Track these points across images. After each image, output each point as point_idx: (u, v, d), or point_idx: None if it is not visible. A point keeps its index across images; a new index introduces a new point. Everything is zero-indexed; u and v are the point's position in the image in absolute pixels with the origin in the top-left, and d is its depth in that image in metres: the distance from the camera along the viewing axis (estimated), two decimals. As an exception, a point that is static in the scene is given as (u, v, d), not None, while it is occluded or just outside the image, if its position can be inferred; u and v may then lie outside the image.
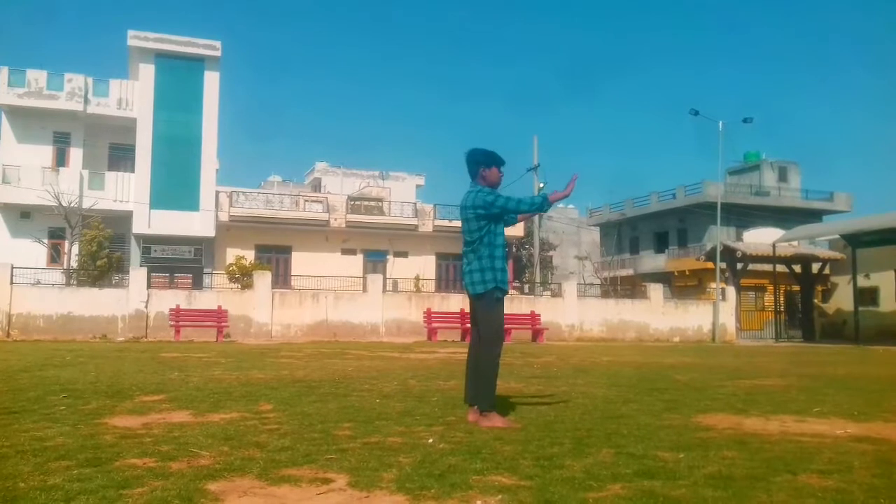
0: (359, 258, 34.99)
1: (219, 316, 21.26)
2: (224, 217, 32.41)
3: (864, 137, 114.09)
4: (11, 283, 20.79)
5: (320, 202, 35.79)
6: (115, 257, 26.47)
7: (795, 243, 33.06)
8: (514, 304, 25.77)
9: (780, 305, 32.79)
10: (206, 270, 30.20)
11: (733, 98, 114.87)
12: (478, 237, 5.02)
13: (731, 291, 29.31)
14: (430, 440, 4.38)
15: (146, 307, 21.61)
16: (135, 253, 30.56)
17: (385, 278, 27.68)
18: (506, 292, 5.02)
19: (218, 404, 5.97)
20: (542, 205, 5.09)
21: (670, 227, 46.62)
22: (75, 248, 26.78)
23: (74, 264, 25.96)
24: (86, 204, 28.49)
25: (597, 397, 6.90)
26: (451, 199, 37.77)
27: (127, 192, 30.79)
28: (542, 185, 35.62)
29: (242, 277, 25.67)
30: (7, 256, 24.04)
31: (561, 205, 58.34)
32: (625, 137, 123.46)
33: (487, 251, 4.99)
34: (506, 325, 20.72)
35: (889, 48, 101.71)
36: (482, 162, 5.12)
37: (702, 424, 5.25)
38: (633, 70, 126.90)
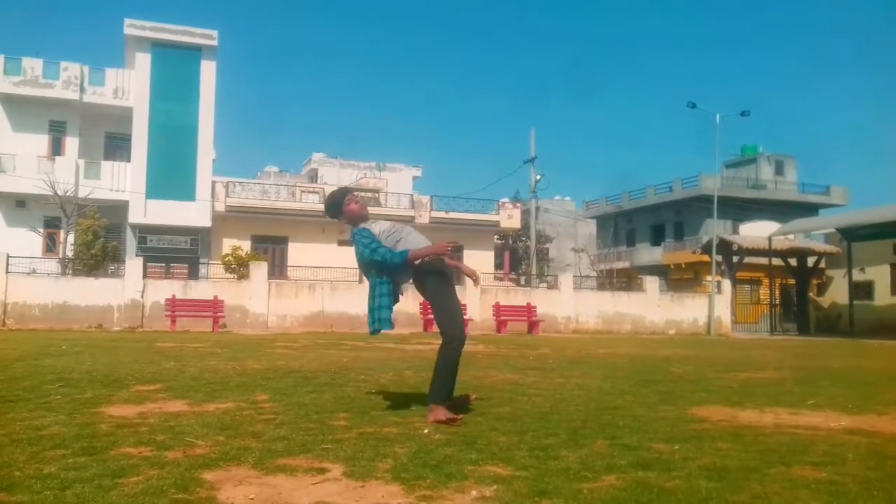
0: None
1: (215, 306, 21.26)
2: (220, 207, 32.33)
3: (861, 131, 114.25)
4: (7, 272, 20.75)
5: (317, 193, 35.71)
6: (110, 247, 26.39)
7: (791, 237, 33.10)
8: (511, 296, 25.81)
9: (775, 299, 32.84)
10: (202, 260, 30.11)
11: (730, 92, 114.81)
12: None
13: (726, 284, 29.38)
14: (426, 431, 4.39)
15: (142, 297, 21.59)
16: (131, 242, 30.50)
17: (381, 269, 27.65)
18: (378, 331, 5.02)
19: (214, 394, 5.98)
20: (400, 263, 4.91)
21: (667, 219, 46.68)
22: (71, 238, 26.70)
23: (70, 254, 25.89)
24: (81, 193, 28.38)
25: (592, 389, 6.91)
26: (448, 191, 37.78)
27: (123, 181, 30.68)
28: (538, 177, 35.64)
29: (238, 268, 25.63)
30: (2, 245, 23.97)
31: (558, 196, 58.43)
32: (622, 130, 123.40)
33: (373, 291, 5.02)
34: (502, 317, 20.73)
35: (885, 43, 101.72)
36: (336, 210, 5.15)
37: (696, 416, 5.27)
38: (630, 63, 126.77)
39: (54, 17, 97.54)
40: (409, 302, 24.24)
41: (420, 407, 5.43)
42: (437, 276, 5.01)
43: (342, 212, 5.15)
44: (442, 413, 4.72)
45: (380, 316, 4.94)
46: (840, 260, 31.36)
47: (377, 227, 5.08)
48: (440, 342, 4.93)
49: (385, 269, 4.97)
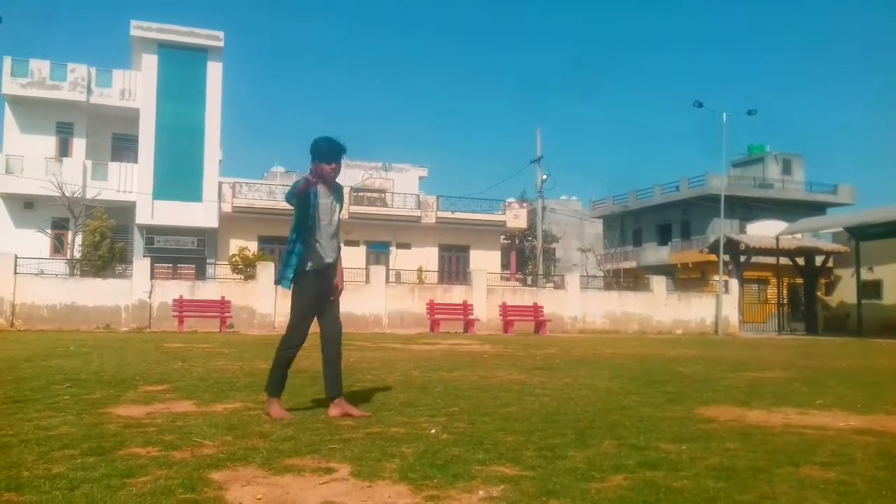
0: (361, 249, 34.98)
1: (222, 306, 21.31)
2: (227, 208, 32.41)
3: (869, 130, 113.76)
4: (15, 273, 20.83)
5: (323, 193, 35.70)
6: (117, 247, 26.48)
7: (799, 236, 32.99)
8: (517, 296, 25.79)
9: (783, 298, 32.74)
10: (209, 261, 30.20)
11: (738, 91, 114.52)
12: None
13: (734, 284, 29.28)
14: (433, 431, 4.39)
15: (149, 297, 21.64)
16: (138, 243, 30.60)
17: (388, 270, 27.67)
18: (287, 278, 4.96)
19: (221, 394, 5.99)
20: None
21: (674, 219, 46.55)
22: (79, 239, 26.81)
23: (78, 254, 26.00)
24: (89, 194, 28.49)
25: (599, 389, 6.90)
26: (454, 191, 37.67)
27: (130, 182, 30.79)
28: (545, 176, 35.58)
29: (245, 268, 25.69)
30: (11, 247, 24.08)
31: (564, 196, 58.33)
32: (628, 129, 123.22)
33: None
34: (509, 317, 20.64)
35: (892, 41, 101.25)
36: (313, 156, 4.99)
37: (704, 416, 5.26)
38: (635, 62, 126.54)
39: (61, 19, 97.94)
40: (416, 302, 24.31)
41: (425, 407, 5.44)
42: (310, 287, 4.98)
43: (312, 166, 4.96)
44: (275, 409, 4.84)
45: (283, 273, 4.98)
46: (848, 259, 31.23)
47: (321, 195, 4.96)
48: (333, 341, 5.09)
49: (296, 223, 4.94)
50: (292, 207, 4.93)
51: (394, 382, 7.14)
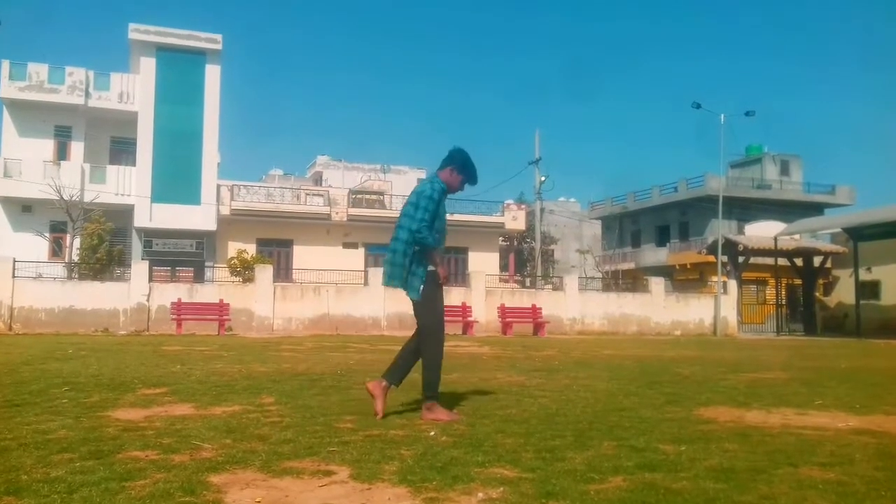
0: (360, 252, 34.96)
1: (220, 309, 21.27)
2: (225, 210, 32.38)
3: (867, 131, 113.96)
4: (13, 276, 20.80)
5: (321, 195, 35.75)
6: (115, 251, 26.44)
7: (797, 237, 33.00)
8: (516, 298, 25.78)
9: (781, 299, 32.75)
10: (207, 264, 30.14)
11: (736, 92, 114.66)
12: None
13: (732, 285, 29.29)
14: (432, 433, 4.38)
15: (148, 301, 21.62)
16: (136, 246, 30.57)
17: (387, 272, 27.62)
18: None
19: (220, 397, 5.98)
20: (426, 245, 4.83)
21: (672, 220, 46.56)
22: (77, 242, 26.78)
23: (76, 258, 25.96)
24: (87, 197, 28.45)
25: (598, 390, 6.90)
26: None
27: (128, 185, 30.76)
28: (543, 178, 35.61)
29: (244, 271, 25.64)
30: (9, 250, 24.06)
31: (563, 198, 58.40)
32: (626, 131, 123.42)
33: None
34: (507, 319, 20.65)
35: (891, 40, 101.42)
36: (457, 164, 5.07)
37: (703, 417, 5.26)
38: (633, 63, 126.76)
39: (59, 22, 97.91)
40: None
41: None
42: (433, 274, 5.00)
43: (447, 168, 5.06)
44: (442, 412, 4.87)
45: (411, 283, 4.90)
46: (846, 260, 31.26)
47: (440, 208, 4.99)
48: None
49: (427, 224, 4.84)
50: (419, 214, 4.84)
51: (393, 385, 7.13)
